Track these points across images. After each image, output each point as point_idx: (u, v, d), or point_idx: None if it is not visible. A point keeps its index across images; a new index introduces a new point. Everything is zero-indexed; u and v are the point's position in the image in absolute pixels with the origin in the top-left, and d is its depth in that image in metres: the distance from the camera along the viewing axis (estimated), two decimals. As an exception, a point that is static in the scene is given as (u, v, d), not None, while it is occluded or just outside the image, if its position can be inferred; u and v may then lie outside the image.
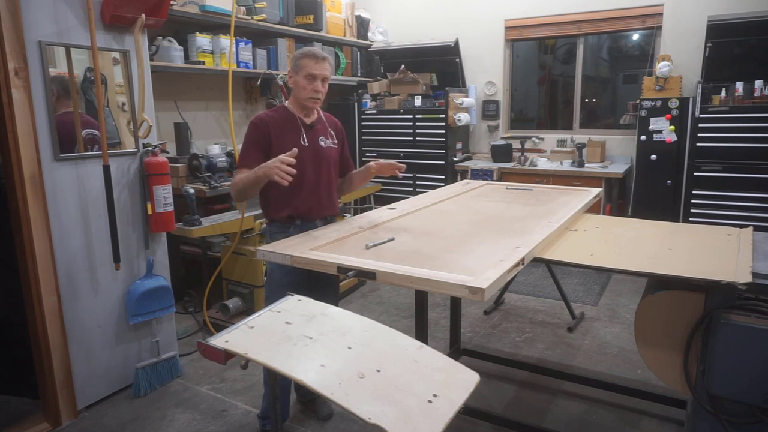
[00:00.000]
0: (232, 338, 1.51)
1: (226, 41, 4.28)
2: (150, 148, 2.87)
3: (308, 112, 2.45)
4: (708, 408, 1.87)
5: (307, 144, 2.39)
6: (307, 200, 2.40)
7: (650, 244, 2.22)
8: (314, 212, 2.44)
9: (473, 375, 1.42)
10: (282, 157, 2.10)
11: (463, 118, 5.54)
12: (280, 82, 4.23)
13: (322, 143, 2.47)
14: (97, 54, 2.62)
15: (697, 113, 4.46)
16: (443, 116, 5.54)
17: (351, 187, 2.66)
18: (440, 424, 1.22)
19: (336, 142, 2.54)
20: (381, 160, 2.47)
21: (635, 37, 5.63)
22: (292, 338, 1.52)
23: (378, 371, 1.38)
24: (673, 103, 4.63)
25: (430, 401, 1.28)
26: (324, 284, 2.43)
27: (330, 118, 2.60)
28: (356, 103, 6.01)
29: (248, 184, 2.23)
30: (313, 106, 2.41)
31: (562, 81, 6.15)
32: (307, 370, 1.37)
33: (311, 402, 2.76)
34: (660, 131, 4.70)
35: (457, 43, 5.78)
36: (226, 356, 1.46)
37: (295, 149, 2.14)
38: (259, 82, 4.70)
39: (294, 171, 2.10)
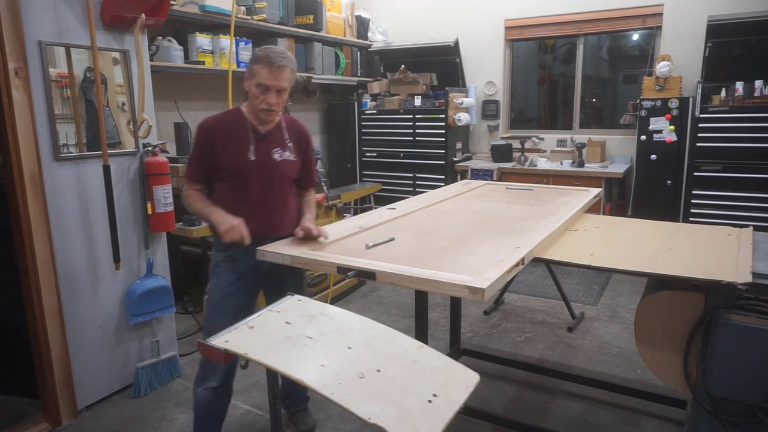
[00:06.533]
0: (232, 338, 1.51)
1: (226, 41, 4.28)
2: (150, 148, 2.88)
3: (264, 120, 2.20)
4: (708, 408, 1.87)
5: (254, 158, 2.15)
6: (251, 220, 2.10)
7: (650, 244, 2.22)
8: (262, 232, 2.14)
9: (473, 375, 1.42)
10: (241, 230, 2.02)
11: (463, 118, 5.53)
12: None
13: (276, 156, 2.20)
14: (97, 54, 2.62)
15: (697, 113, 4.46)
16: (443, 116, 5.54)
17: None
18: (440, 424, 1.22)
19: (296, 155, 2.27)
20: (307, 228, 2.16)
21: (635, 37, 5.63)
22: (291, 338, 1.52)
23: (378, 371, 1.38)
24: (673, 103, 4.63)
25: (430, 401, 1.28)
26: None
27: (294, 124, 2.32)
28: (356, 103, 6.00)
29: (198, 214, 2.23)
30: (266, 118, 2.17)
31: (562, 81, 6.15)
32: (307, 370, 1.37)
33: (293, 414, 2.64)
34: (660, 131, 4.70)
35: (457, 43, 5.78)
36: (226, 356, 1.45)
37: (248, 240, 2.03)
38: (259, 82, 4.70)
39: (248, 242, 2.01)
